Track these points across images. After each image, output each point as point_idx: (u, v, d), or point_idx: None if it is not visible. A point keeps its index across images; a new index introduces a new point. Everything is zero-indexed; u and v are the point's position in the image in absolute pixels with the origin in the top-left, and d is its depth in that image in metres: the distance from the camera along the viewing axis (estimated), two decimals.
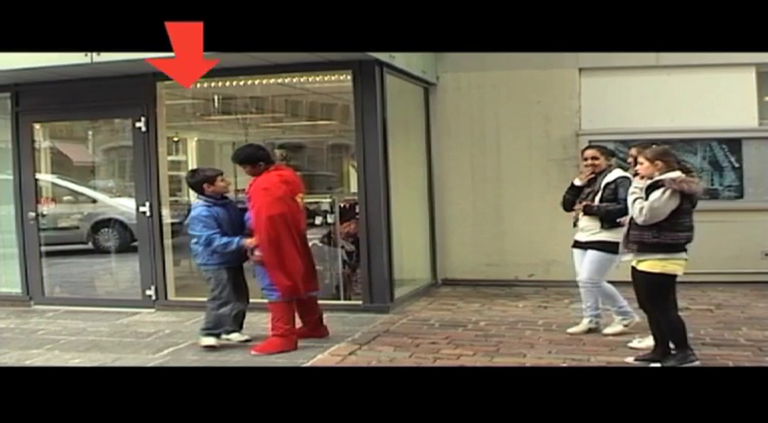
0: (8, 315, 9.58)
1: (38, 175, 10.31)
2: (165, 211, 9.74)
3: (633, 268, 6.43)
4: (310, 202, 9.83)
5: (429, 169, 10.98)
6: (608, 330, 7.58)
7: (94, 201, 13.13)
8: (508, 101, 10.65)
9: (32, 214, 10.05)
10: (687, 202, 6.21)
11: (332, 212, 9.74)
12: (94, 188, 13.18)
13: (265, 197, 7.31)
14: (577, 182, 7.73)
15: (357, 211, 9.29)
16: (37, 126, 10.27)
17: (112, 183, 14.02)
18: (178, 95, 10.90)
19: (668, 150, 6.47)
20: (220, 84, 9.96)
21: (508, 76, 10.61)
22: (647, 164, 6.33)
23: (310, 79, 9.97)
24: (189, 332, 8.19)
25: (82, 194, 12.99)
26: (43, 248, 10.20)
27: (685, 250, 6.32)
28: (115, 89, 9.51)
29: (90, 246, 12.95)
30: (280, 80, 10.00)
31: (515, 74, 10.55)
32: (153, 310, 9.50)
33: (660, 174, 6.26)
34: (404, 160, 10.00)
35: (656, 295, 6.35)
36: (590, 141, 8.74)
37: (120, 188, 13.21)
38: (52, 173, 11.18)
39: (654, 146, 6.54)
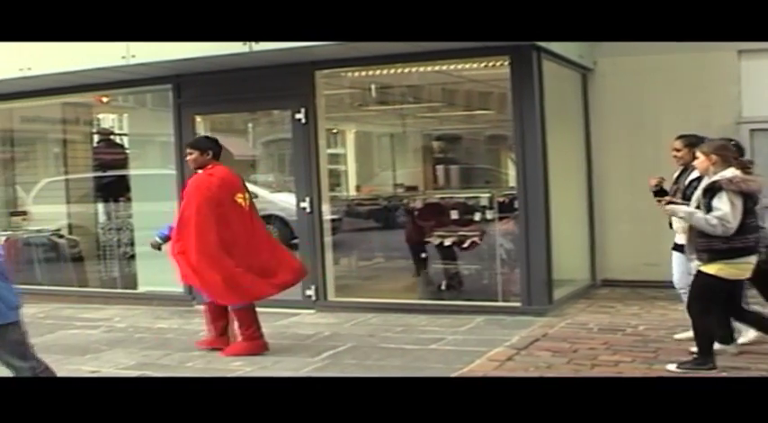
0: (171, 315, 9.78)
1: None
2: (326, 207, 9.66)
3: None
4: (468, 197, 9.75)
5: (588, 161, 10.62)
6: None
7: (255, 196, 13.24)
8: (666, 87, 10.13)
9: None
10: (749, 201, 6.05)
11: (491, 208, 9.58)
12: (255, 183, 13.08)
13: (196, 197, 7.34)
14: (652, 182, 7.29)
15: (516, 206, 9.06)
16: (198, 119, 10.26)
17: (272, 177, 14.15)
18: (335, 85, 10.91)
19: (726, 145, 6.33)
20: (378, 72, 9.95)
21: (665, 61, 9.96)
22: (702, 158, 6.22)
23: (467, 66, 9.85)
24: (348, 335, 8.26)
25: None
26: None
27: (756, 253, 6.16)
28: (273, 79, 9.49)
29: None
30: (436, 68, 9.87)
31: (672, 58, 9.87)
32: (313, 311, 9.48)
33: (715, 169, 6.11)
34: (561, 151, 9.66)
35: (703, 295, 6.24)
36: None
37: (280, 183, 13.33)
38: None
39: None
